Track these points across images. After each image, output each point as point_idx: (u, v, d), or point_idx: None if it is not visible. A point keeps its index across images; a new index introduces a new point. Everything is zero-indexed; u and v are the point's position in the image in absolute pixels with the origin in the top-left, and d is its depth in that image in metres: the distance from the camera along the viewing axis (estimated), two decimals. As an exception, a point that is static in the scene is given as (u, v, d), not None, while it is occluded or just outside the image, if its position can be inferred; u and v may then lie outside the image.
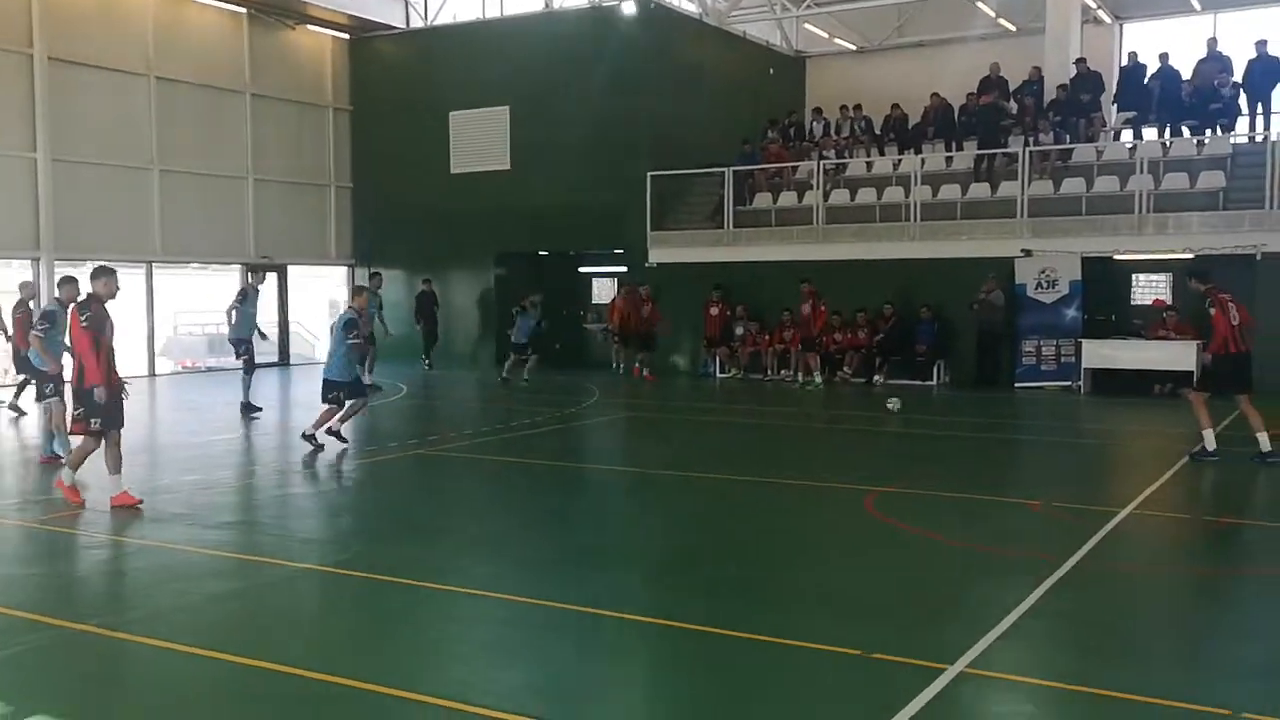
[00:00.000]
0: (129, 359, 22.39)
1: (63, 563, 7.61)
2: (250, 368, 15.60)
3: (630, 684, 5.33)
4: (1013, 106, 20.78)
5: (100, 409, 8.67)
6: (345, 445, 12.26)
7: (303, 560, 7.47)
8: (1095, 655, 5.61)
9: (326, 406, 12.23)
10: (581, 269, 25.77)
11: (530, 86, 23.39)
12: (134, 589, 6.98)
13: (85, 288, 9.49)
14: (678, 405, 16.82)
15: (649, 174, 21.42)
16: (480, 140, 24.25)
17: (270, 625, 6.20)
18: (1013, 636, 5.72)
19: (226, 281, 27.70)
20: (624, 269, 23.19)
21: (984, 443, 13.65)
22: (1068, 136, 19.82)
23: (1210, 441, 11.11)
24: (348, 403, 12.30)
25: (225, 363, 25.06)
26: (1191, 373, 16.67)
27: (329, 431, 12.29)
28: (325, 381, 12.28)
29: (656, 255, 21.72)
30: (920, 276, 19.15)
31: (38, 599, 6.58)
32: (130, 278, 24.35)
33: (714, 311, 20.93)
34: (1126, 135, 20.36)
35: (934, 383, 19.15)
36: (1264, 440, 10.92)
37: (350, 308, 12.64)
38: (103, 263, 9.75)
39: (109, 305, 8.91)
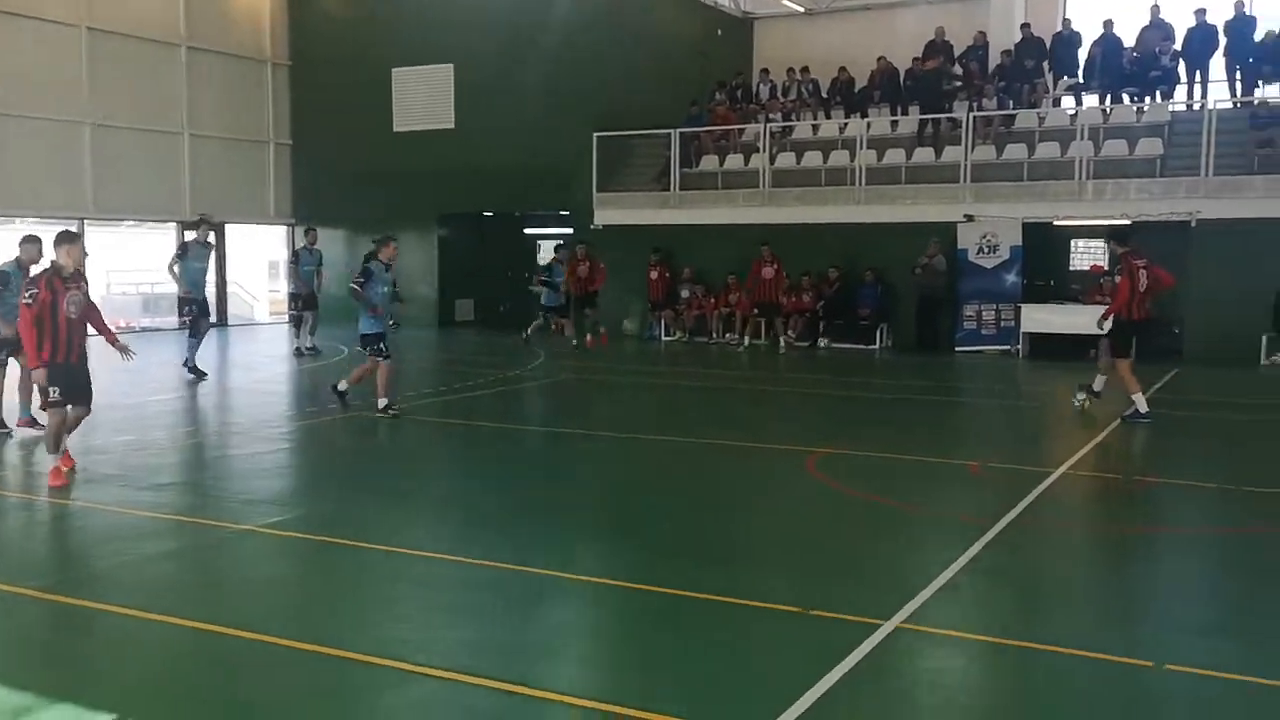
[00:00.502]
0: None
1: (-8, 524, 7.45)
2: (196, 329, 14.97)
3: (572, 642, 5.35)
4: (958, 71, 20.90)
5: (58, 379, 8.16)
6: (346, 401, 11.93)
7: (242, 522, 7.38)
8: (1026, 610, 5.74)
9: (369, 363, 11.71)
10: (527, 230, 25.59)
11: (475, 44, 23.05)
12: (69, 551, 6.87)
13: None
14: (623, 368, 16.82)
15: (595, 135, 21.27)
16: (424, 98, 23.88)
17: (209, 587, 6.13)
18: (947, 593, 5.83)
19: (162, 240, 27.15)
20: (570, 231, 23.05)
21: (924, 405, 13.83)
22: (1011, 102, 19.99)
23: (1142, 404, 11.38)
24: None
25: (160, 323, 24.66)
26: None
27: (332, 388, 11.97)
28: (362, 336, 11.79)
29: (602, 217, 21.62)
30: (864, 240, 19.28)
31: (-35, 561, 6.44)
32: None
33: (654, 275, 20.90)
34: (1068, 102, 20.59)
35: (876, 346, 19.34)
36: (1140, 401, 11.32)
37: (375, 259, 11.93)
38: (68, 228, 9.33)
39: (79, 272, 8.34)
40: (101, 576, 6.14)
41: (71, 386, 8.31)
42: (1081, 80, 20.13)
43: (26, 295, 8.11)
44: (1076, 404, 12.17)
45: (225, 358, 19.06)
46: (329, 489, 8.75)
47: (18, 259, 10.26)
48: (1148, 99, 19.43)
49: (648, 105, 21.86)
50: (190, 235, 16.42)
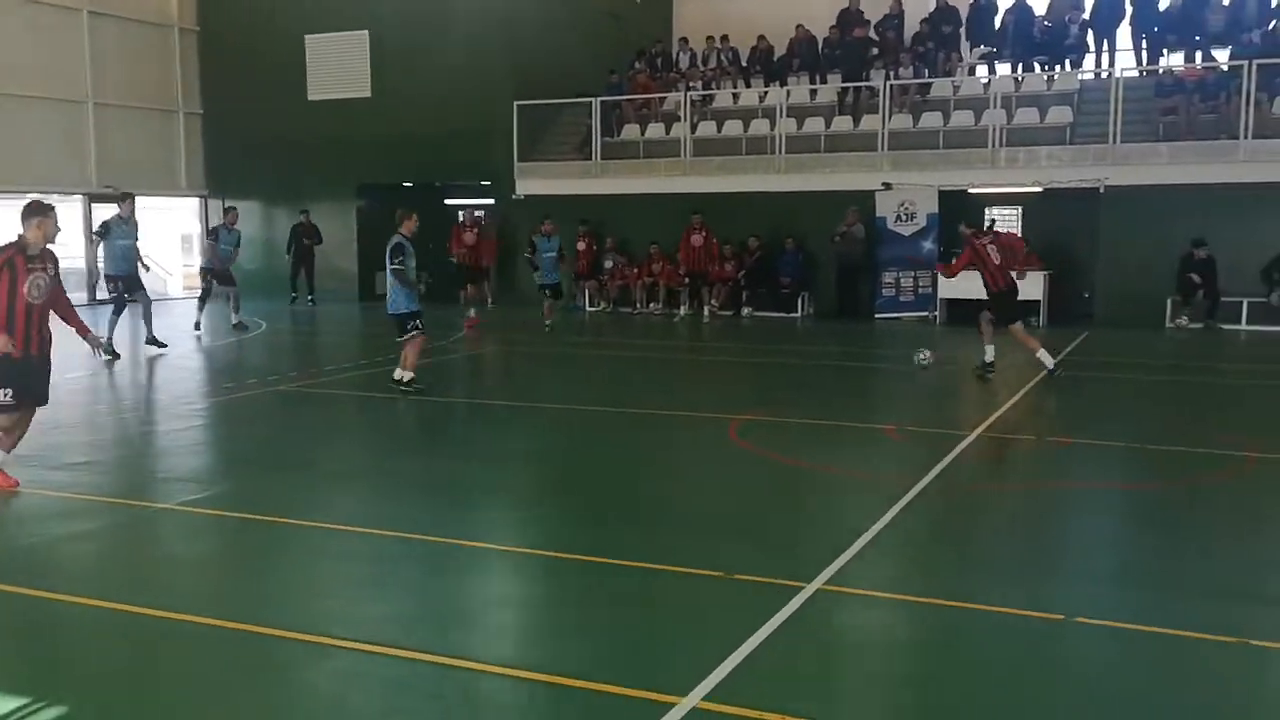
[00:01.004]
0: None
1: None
2: (120, 307, 14.82)
3: (494, 611, 5.36)
4: (874, 39, 21.09)
5: (10, 378, 7.09)
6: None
7: (160, 500, 7.23)
8: (943, 569, 5.89)
9: (409, 340, 11.14)
10: (447, 201, 25.27)
11: (392, 10, 22.64)
12: (-27, 534, 6.65)
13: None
14: (546, 339, 16.77)
15: (516, 104, 21.07)
16: (339, 66, 23.40)
17: (127, 567, 6.01)
18: (867, 554, 5.95)
19: (68, 212, 26.24)
20: (490, 201, 22.85)
21: (844, 372, 14.05)
22: (926, 71, 20.25)
23: (1047, 360, 11.94)
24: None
25: (72, 299, 23.85)
26: (1038, 302, 17.51)
27: (394, 383, 11.18)
28: (394, 316, 11.17)
29: (524, 187, 21.47)
30: (785, 209, 19.43)
31: None
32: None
33: (581, 246, 20.84)
34: (981, 71, 20.92)
35: (798, 314, 19.56)
36: (1045, 356, 12.02)
37: (399, 234, 11.16)
38: (37, 196, 8.18)
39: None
40: (14, 559, 5.97)
41: (26, 387, 7.23)
42: (994, 49, 20.47)
43: None
44: (920, 361, 12.97)
45: (135, 334, 18.57)
46: (247, 466, 8.60)
47: None
48: (1058, 68, 19.84)
49: (569, 74, 21.73)
50: (111, 212, 15.97)
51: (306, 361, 14.48)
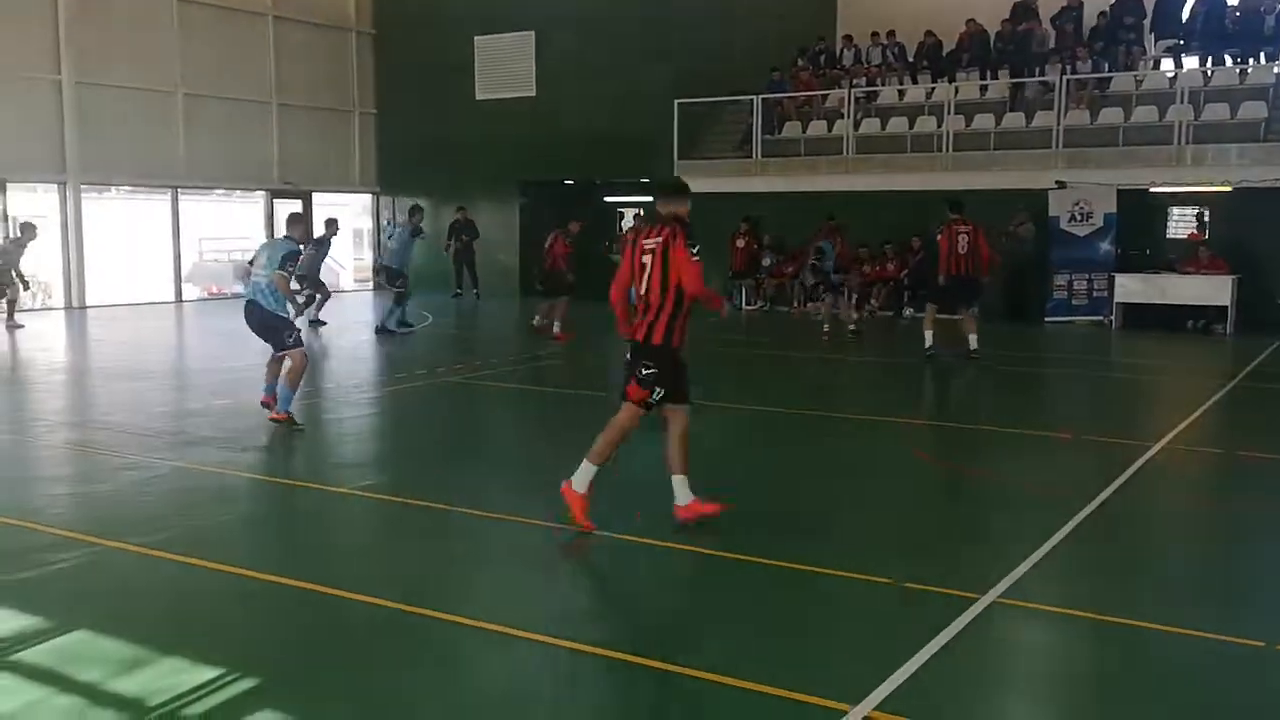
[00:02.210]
0: (156, 284, 22.67)
1: (98, 483, 7.69)
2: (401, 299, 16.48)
3: (665, 610, 5.35)
4: (1049, 32, 20.27)
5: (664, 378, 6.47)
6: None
7: (337, 484, 7.52)
8: (1127, 587, 5.59)
9: None
10: (608, 199, 25.55)
11: (557, 11, 23.03)
12: (169, 509, 7.04)
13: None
14: (704, 336, 16.69)
15: (676, 102, 21.11)
16: (506, 66, 23.95)
17: (310, 548, 6.25)
18: (1045, 568, 5.69)
19: (250, 209, 27.71)
20: (650, 199, 22.93)
21: (1015, 377, 13.54)
22: (1106, 65, 19.34)
23: (929, 341, 13.55)
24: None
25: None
26: (1225, 308, 16.55)
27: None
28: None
29: (683, 185, 21.44)
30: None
31: (75, 518, 6.66)
32: (155, 204, 24.55)
33: (740, 244, 20.74)
34: (1167, 64, 19.86)
35: (962, 317, 18.93)
36: (973, 341, 13.48)
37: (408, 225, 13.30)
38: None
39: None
40: (204, 535, 6.30)
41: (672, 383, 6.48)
42: (1181, 41, 19.38)
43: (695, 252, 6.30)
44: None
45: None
46: (416, 454, 8.86)
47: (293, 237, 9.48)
48: (1251, 60, 18.65)
49: (729, 71, 21.62)
50: (326, 227, 17.68)
51: (471, 354, 14.85)
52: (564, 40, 22.95)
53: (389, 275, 17.01)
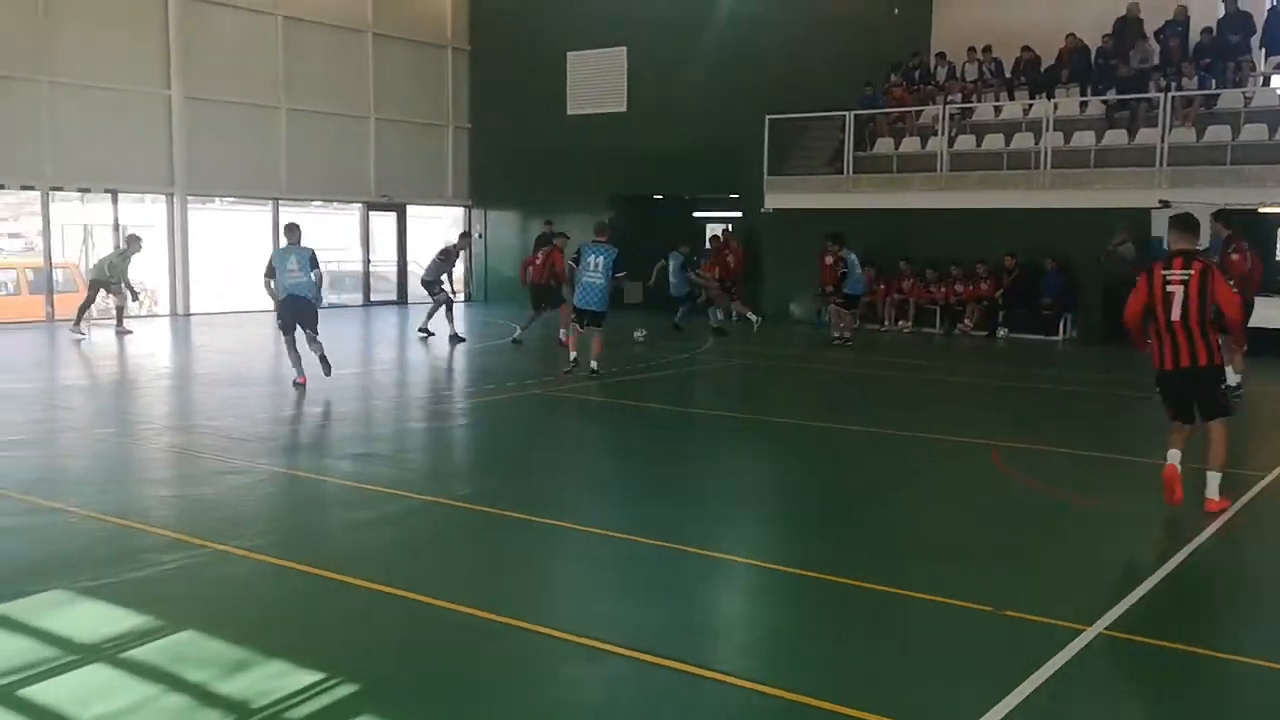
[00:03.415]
0: (254, 293, 23.27)
1: (202, 486, 7.91)
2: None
3: (755, 628, 5.30)
4: (1154, 48, 19.75)
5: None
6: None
7: (429, 493, 7.62)
8: (1245, 622, 5.38)
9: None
10: (696, 214, 25.58)
11: (648, 27, 23.17)
12: (269, 513, 7.22)
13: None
14: (792, 354, 16.63)
15: (767, 117, 21.05)
16: (597, 81, 24.16)
17: (403, 555, 6.33)
18: (1156, 599, 5.51)
19: (345, 221, 28.33)
20: (739, 214, 22.94)
21: (1115, 400, 13.17)
22: (1213, 81, 18.76)
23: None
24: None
25: (346, 299, 25.80)
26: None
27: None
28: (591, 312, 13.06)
29: (773, 201, 21.39)
30: (1046, 226, 18.46)
31: (181, 520, 6.85)
32: (257, 214, 25.27)
33: (829, 260, 20.54)
34: (1277, 80, 19.19)
35: (1059, 337, 18.56)
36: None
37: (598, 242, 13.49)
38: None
39: None
40: (302, 540, 6.43)
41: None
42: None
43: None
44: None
45: (403, 335, 19.77)
46: (506, 465, 8.94)
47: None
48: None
49: (820, 86, 21.49)
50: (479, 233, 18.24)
51: (558, 367, 14.92)
52: (655, 56, 23.07)
53: (427, 287, 17.66)
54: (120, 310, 17.58)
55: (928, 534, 6.96)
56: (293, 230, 12.19)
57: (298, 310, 11.81)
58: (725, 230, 23.05)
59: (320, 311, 12.07)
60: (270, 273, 11.89)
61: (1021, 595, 5.51)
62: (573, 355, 13.49)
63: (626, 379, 13.68)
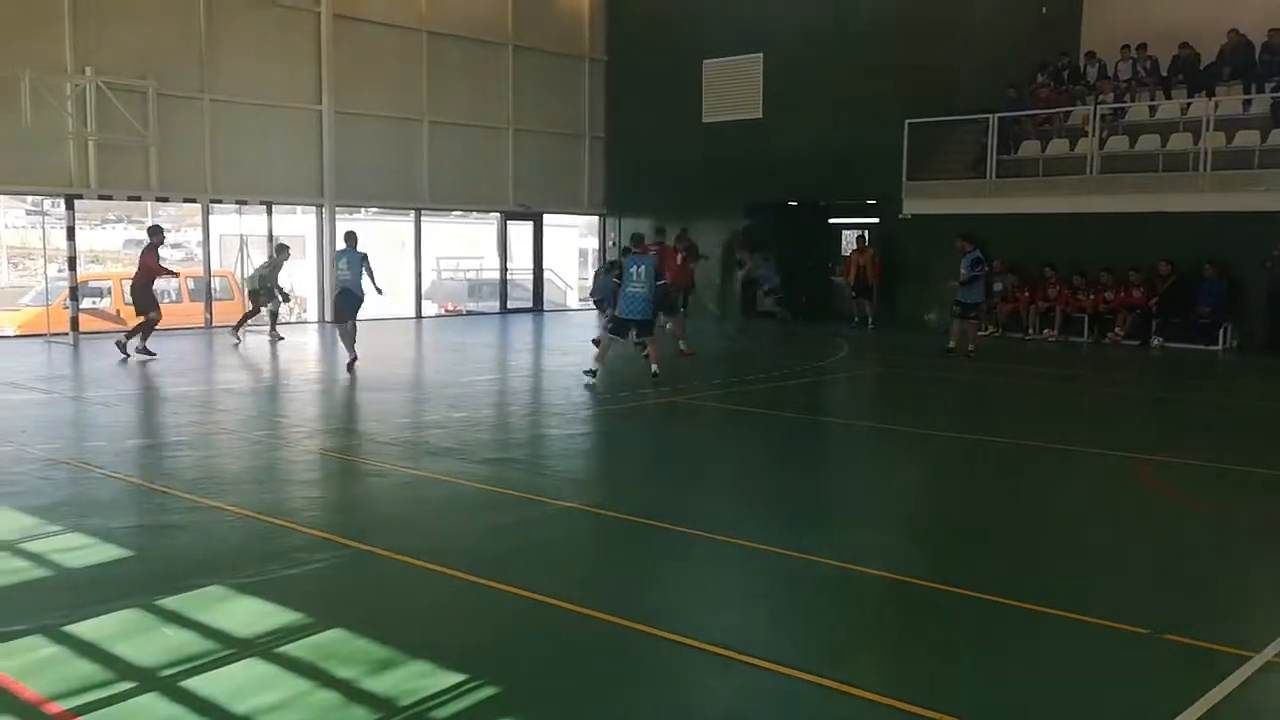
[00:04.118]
0: (397, 302, 24.02)
1: (349, 488, 8.18)
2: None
3: (895, 643, 5.17)
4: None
5: None
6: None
7: (562, 498, 7.70)
8: None
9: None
10: (831, 221, 25.27)
11: (785, 33, 23.00)
12: (412, 516, 7.41)
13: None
14: (931, 361, 16.23)
15: (907, 121, 20.64)
16: (733, 89, 24.11)
17: (539, 560, 6.41)
18: (1329, 629, 5.16)
19: (484, 230, 28.99)
20: (875, 221, 22.57)
21: (1277, 412, 12.43)
22: (1393, 75, 17.58)
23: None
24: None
25: (484, 306, 26.39)
26: None
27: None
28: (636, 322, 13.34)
29: (911, 207, 20.96)
30: (1204, 231, 17.58)
31: (328, 520, 7.10)
32: (399, 224, 26.08)
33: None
34: None
35: (1219, 346, 17.65)
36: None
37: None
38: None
39: None
40: (444, 543, 6.57)
41: None
42: None
43: None
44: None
45: (541, 341, 20.11)
46: (643, 471, 8.98)
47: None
48: None
49: (961, 90, 20.97)
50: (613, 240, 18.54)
51: (689, 375, 14.93)
52: (792, 62, 22.89)
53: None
54: (274, 317, 18.35)
55: (1075, 550, 6.69)
56: (350, 237, 14.74)
57: (345, 302, 14.62)
58: (860, 237, 22.75)
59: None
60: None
61: (1179, 618, 5.24)
62: (654, 369, 13.41)
63: (757, 386, 13.59)
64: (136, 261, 16.40)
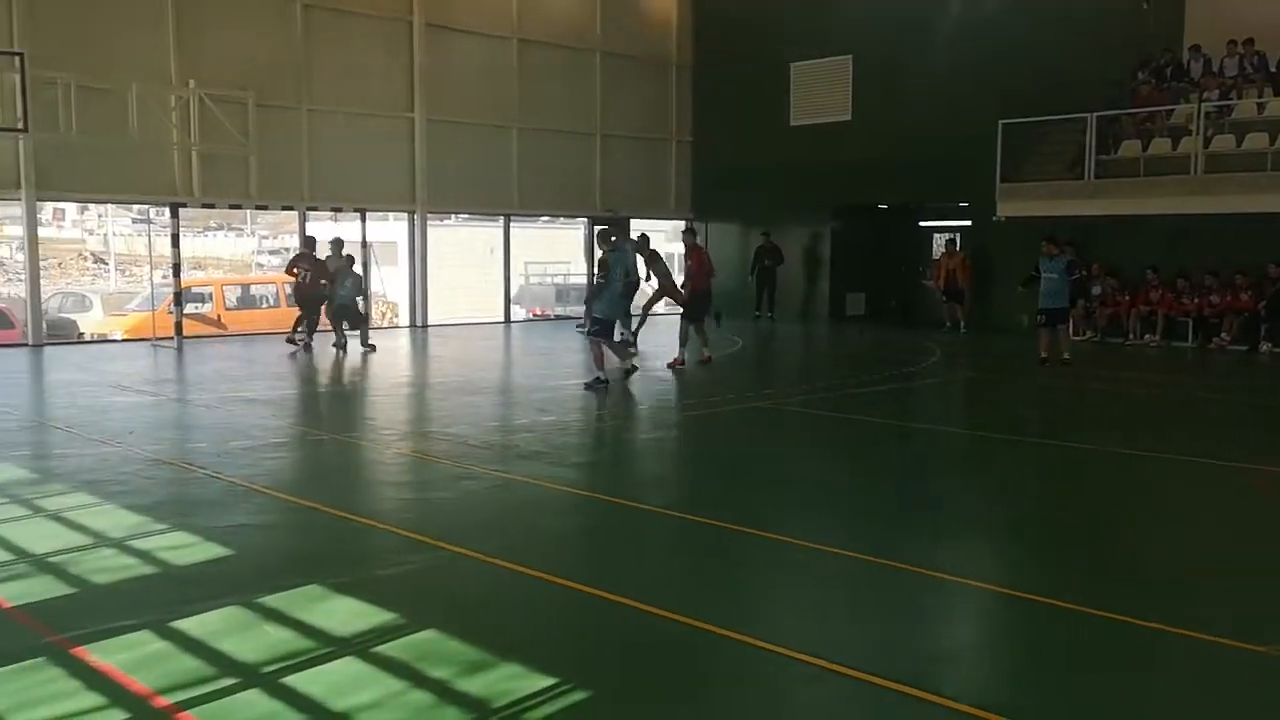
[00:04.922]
0: (488, 306, 24.32)
1: (439, 490, 8.28)
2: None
3: (989, 655, 5.04)
4: None
5: None
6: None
7: (647, 501, 7.69)
8: None
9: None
10: (921, 224, 24.89)
11: (876, 34, 22.73)
12: (501, 519, 7.46)
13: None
14: (1024, 366, 15.85)
15: (1001, 122, 20.21)
16: (821, 91, 23.90)
17: (626, 563, 6.41)
18: None
19: (570, 235, 29.18)
20: (968, 223, 22.16)
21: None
22: None
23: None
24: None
25: (571, 311, 26.55)
26: None
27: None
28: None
29: (1005, 209, 20.50)
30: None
31: (420, 522, 7.19)
32: (488, 230, 26.39)
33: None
34: None
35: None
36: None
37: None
38: None
39: None
40: (533, 545, 6.60)
41: None
42: None
43: None
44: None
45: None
46: (731, 476, 8.91)
47: None
48: None
49: (1058, 89, 20.43)
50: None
51: (779, 380, 14.85)
52: (882, 63, 22.60)
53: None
54: (340, 325, 18.35)
55: (1188, 565, 6.45)
56: (338, 244, 17.72)
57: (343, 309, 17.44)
58: (949, 241, 22.37)
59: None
60: (290, 267, 17.87)
61: (1299, 638, 5.01)
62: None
63: (844, 392, 13.42)
64: (308, 271, 17.71)
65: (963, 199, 21.85)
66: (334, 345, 17.50)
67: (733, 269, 23.93)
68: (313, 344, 17.83)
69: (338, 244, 18.08)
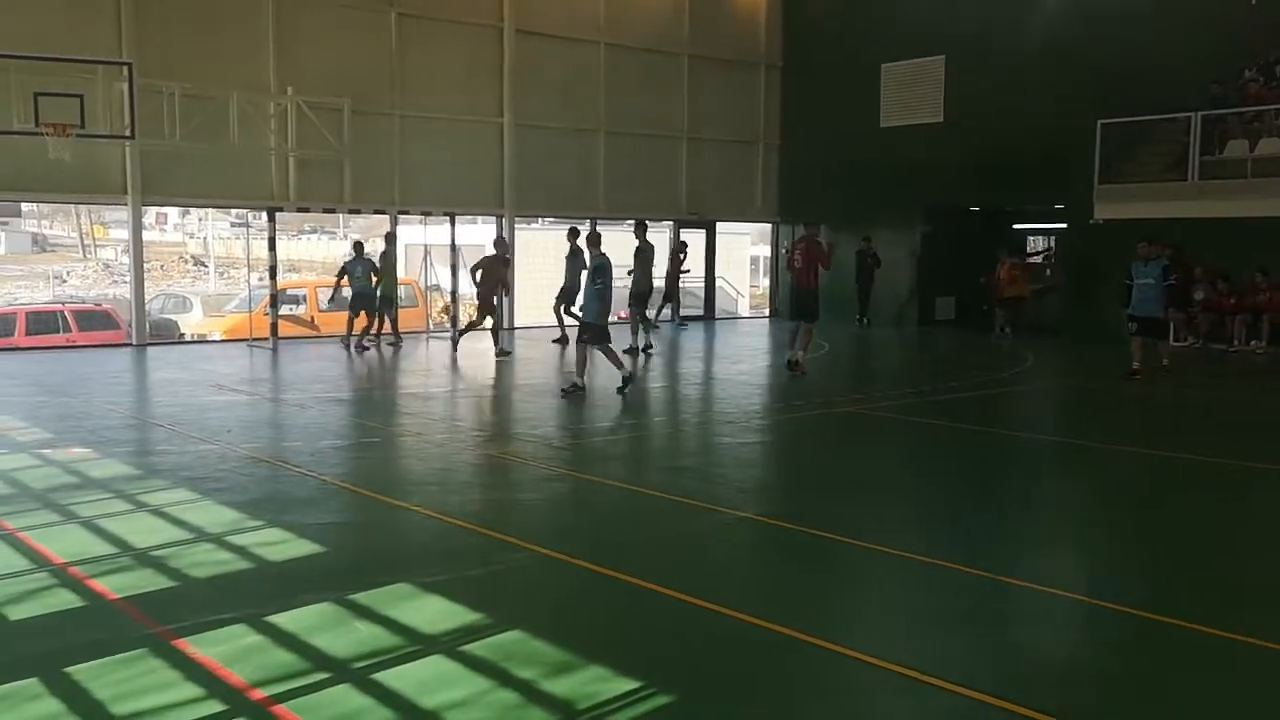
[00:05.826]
0: (570, 308, 24.39)
1: (527, 492, 8.35)
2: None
3: (1076, 665, 4.89)
4: None
5: None
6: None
7: (737, 508, 7.64)
8: None
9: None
10: (1015, 226, 24.36)
11: (969, 34, 22.30)
12: (586, 521, 7.50)
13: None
14: (1118, 373, 15.38)
15: (1099, 122, 19.68)
16: (913, 92, 23.55)
17: (712, 569, 6.38)
18: None
19: (655, 238, 29.03)
20: (1063, 226, 21.61)
21: None
22: None
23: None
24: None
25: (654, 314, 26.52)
26: None
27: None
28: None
29: (1103, 211, 19.95)
30: None
31: (509, 523, 7.26)
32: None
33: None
34: None
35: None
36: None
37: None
38: None
39: None
40: (619, 548, 6.61)
41: None
42: None
43: None
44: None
45: (711, 349, 20.10)
46: (819, 482, 8.83)
47: None
48: None
49: (1158, 88, 19.82)
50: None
51: (870, 384, 14.66)
52: (975, 63, 22.17)
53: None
54: (376, 323, 18.54)
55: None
56: (358, 246, 18.68)
57: (359, 299, 18.00)
58: (1001, 247, 21.70)
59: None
60: (341, 274, 18.21)
61: None
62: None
63: (935, 397, 13.19)
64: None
65: (1058, 201, 21.33)
66: (342, 344, 18.01)
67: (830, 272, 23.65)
68: (368, 345, 18.23)
69: (358, 246, 19.39)
